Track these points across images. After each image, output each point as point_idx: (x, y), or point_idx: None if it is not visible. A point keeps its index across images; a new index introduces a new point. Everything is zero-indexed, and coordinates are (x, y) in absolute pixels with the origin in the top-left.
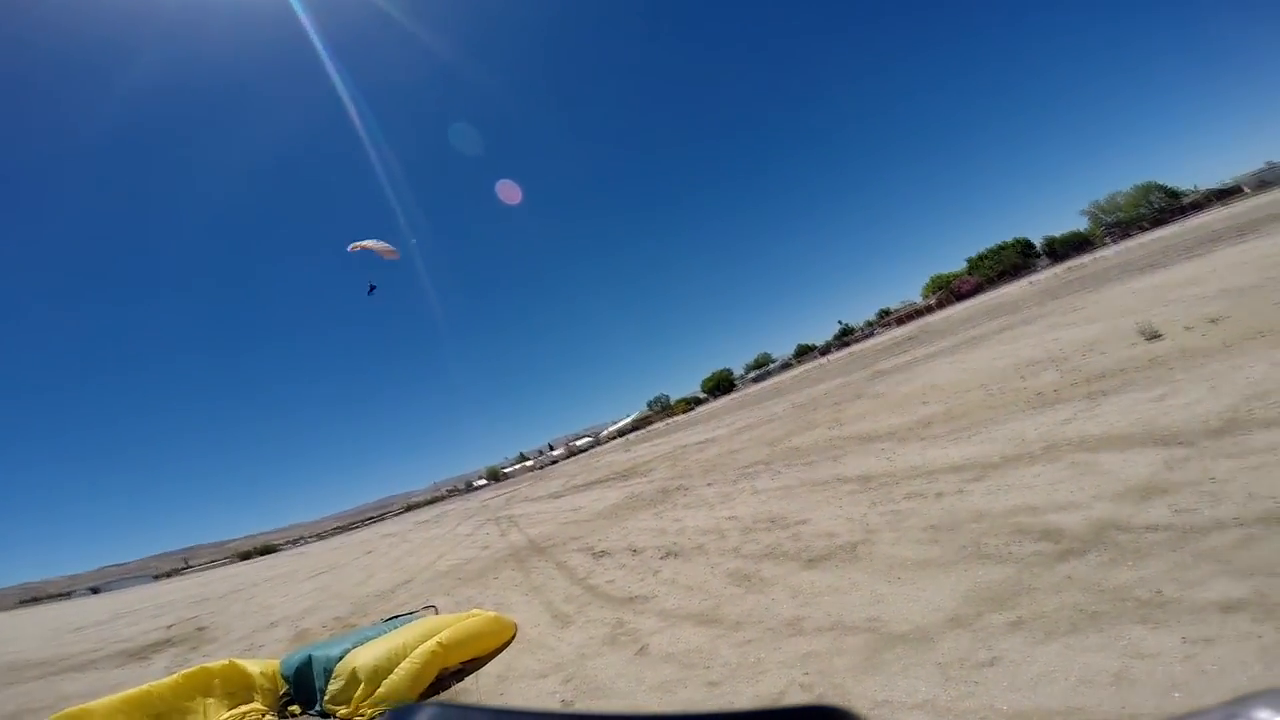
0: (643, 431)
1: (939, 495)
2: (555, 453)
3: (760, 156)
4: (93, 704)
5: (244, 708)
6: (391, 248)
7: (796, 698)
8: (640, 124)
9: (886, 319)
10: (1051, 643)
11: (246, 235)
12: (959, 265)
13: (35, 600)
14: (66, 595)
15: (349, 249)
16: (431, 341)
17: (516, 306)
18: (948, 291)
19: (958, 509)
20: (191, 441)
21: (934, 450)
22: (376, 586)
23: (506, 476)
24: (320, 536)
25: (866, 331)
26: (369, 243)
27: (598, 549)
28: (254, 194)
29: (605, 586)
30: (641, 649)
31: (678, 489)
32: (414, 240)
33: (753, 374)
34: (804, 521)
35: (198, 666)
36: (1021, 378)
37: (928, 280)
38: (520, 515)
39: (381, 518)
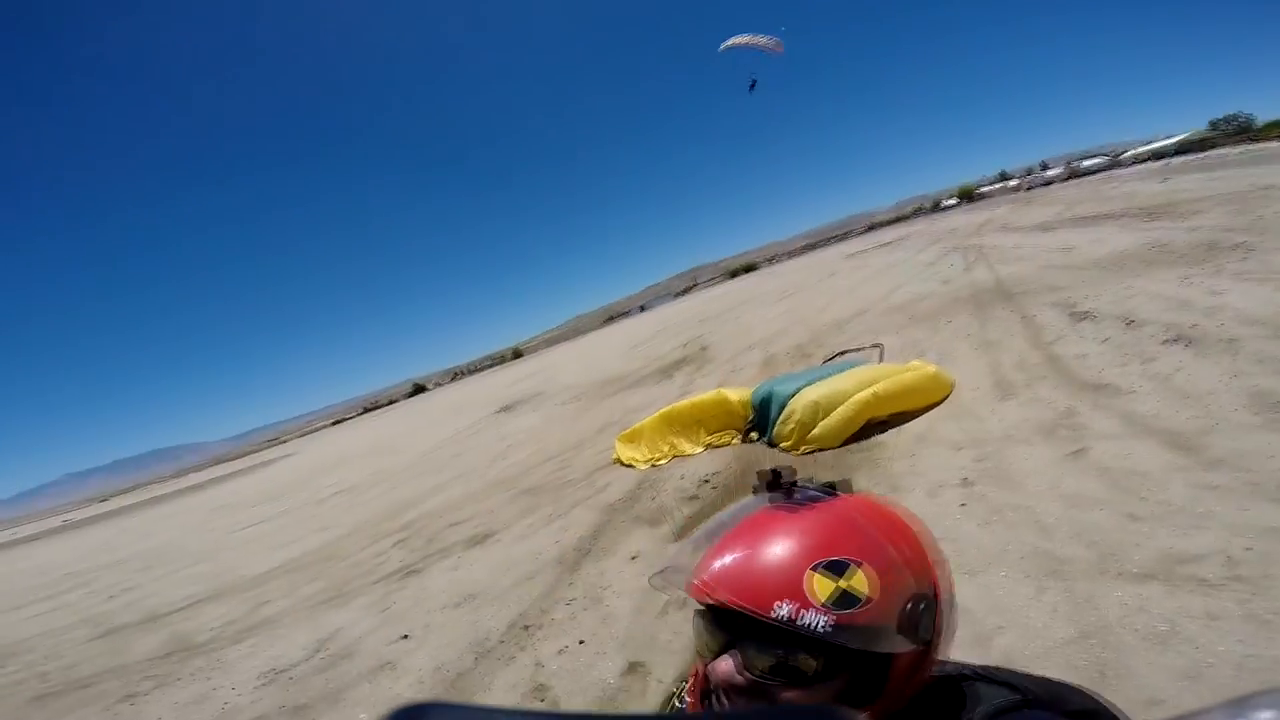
0: (1196, 157)
1: None
2: (1050, 172)
3: None
4: (639, 424)
5: (720, 432)
6: (777, 40)
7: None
8: None
9: None
10: None
11: None
12: None
13: (612, 319)
14: (627, 314)
15: (722, 48)
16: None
17: None
18: None
19: None
20: (696, 169)
21: None
22: (834, 315)
23: (982, 197)
24: (790, 255)
25: None
26: (752, 38)
27: (1080, 308)
28: None
29: (1072, 361)
30: (1078, 451)
31: (1236, 247)
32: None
33: None
34: None
35: (692, 400)
36: None
37: None
38: (992, 247)
39: (845, 237)
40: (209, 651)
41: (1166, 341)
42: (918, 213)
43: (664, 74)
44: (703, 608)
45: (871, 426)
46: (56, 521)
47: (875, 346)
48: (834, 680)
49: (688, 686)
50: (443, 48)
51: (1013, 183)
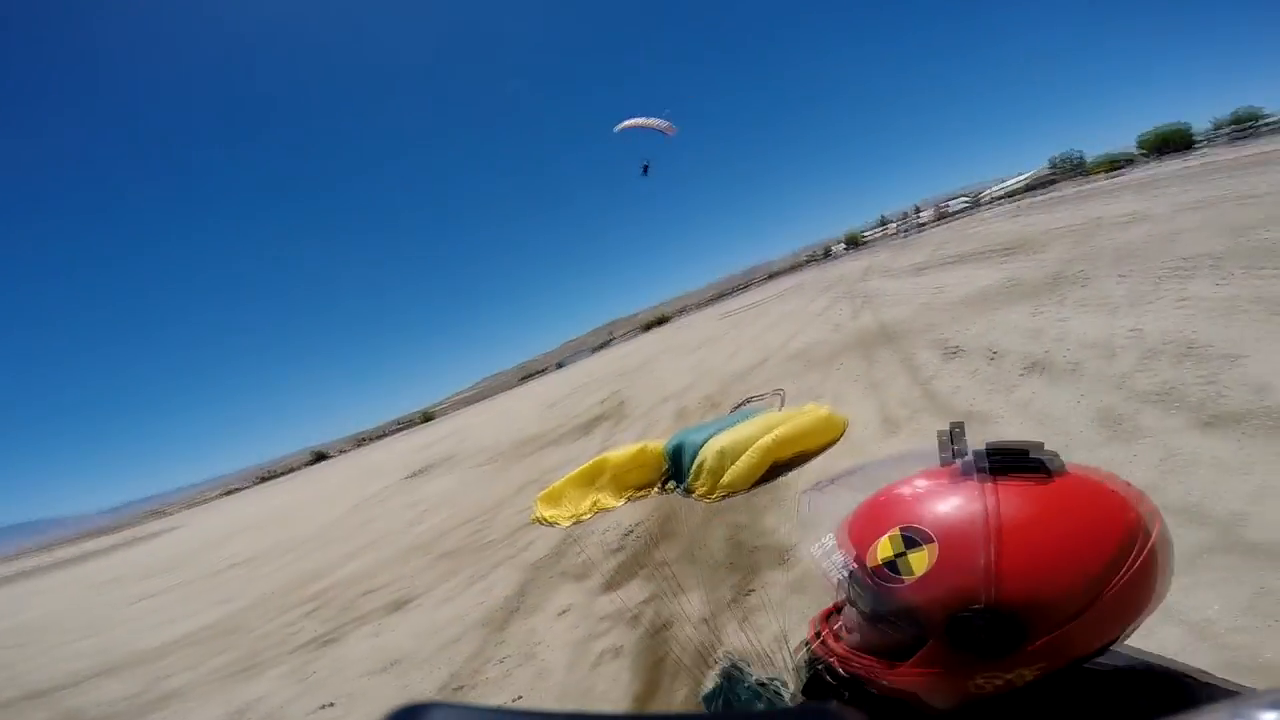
0: (1041, 196)
1: None
2: (922, 215)
3: None
4: (559, 482)
5: (641, 486)
6: (669, 123)
7: None
8: None
9: None
10: None
11: None
12: None
13: (528, 377)
14: (544, 371)
15: (617, 129)
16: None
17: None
18: None
19: None
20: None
21: None
22: (739, 365)
23: (866, 243)
24: (700, 305)
25: None
26: (645, 120)
27: (951, 344)
28: None
29: (946, 394)
30: None
31: (1074, 278)
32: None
33: (1227, 132)
34: (1234, 359)
35: (611, 454)
36: None
37: None
38: (876, 292)
39: (748, 286)
40: None
41: (1024, 371)
42: (810, 260)
43: (576, 133)
44: None
45: (776, 468)
46: None
47: (776, 393)
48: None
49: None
50: (352, 92)
51: (891, 227)
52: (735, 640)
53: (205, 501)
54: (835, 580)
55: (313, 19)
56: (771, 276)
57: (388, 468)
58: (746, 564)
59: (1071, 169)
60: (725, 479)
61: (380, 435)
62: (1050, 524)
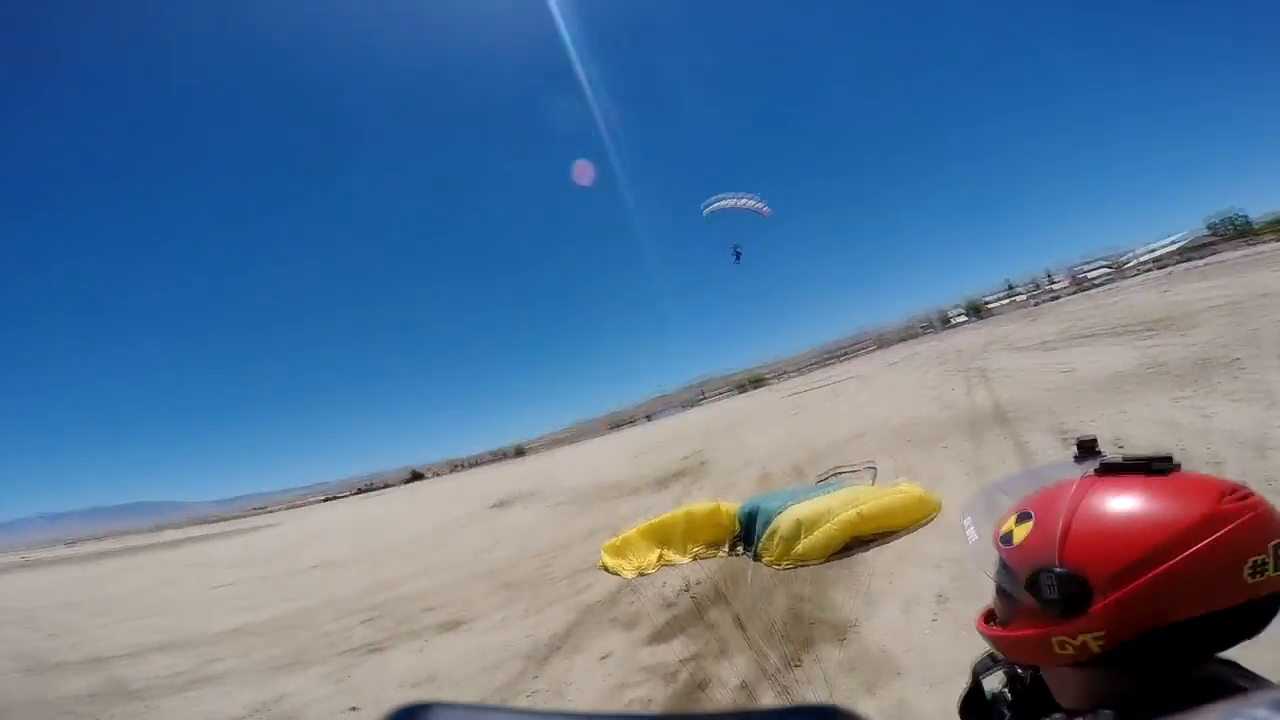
0: (1197, 262)
1: None
2: (1055, 284)
3: None
4: (628, 533)
5: (710, 545)
6: (761, 202)
7: None
8: None
9: None
10: None
11: None
12: None
13: (618, 426)
14: (633, 422)
15: (706, 212)
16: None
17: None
18: None
19: None
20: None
21: None
22: (834, 436)
23: (989, 312)
24: (800, 370)
25: None
26: (736, 199)
27: (1072, 431)
28: None
29: None
30: None
31: (1226, 363)
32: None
33: None
34: None
35: (685, 510)
36: None
37: None
38: (995, 369)
39: (855, 353)
40: (143, 698)
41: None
42: (926, 329)
43: (679, 185)
44: None
45: (856, 543)
46: (15, 558)
47: (868, 467)
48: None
49: None
50: (455, 157)
51: (1021, 296)
52: None
53: (305, 505)
54: (972, 543)
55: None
56: (881, 345)
57: (475, 495)
58: (802, 637)
59: (1233, 231)
60: (799, 549)
61: (474, 463)
62: (1126, 502)
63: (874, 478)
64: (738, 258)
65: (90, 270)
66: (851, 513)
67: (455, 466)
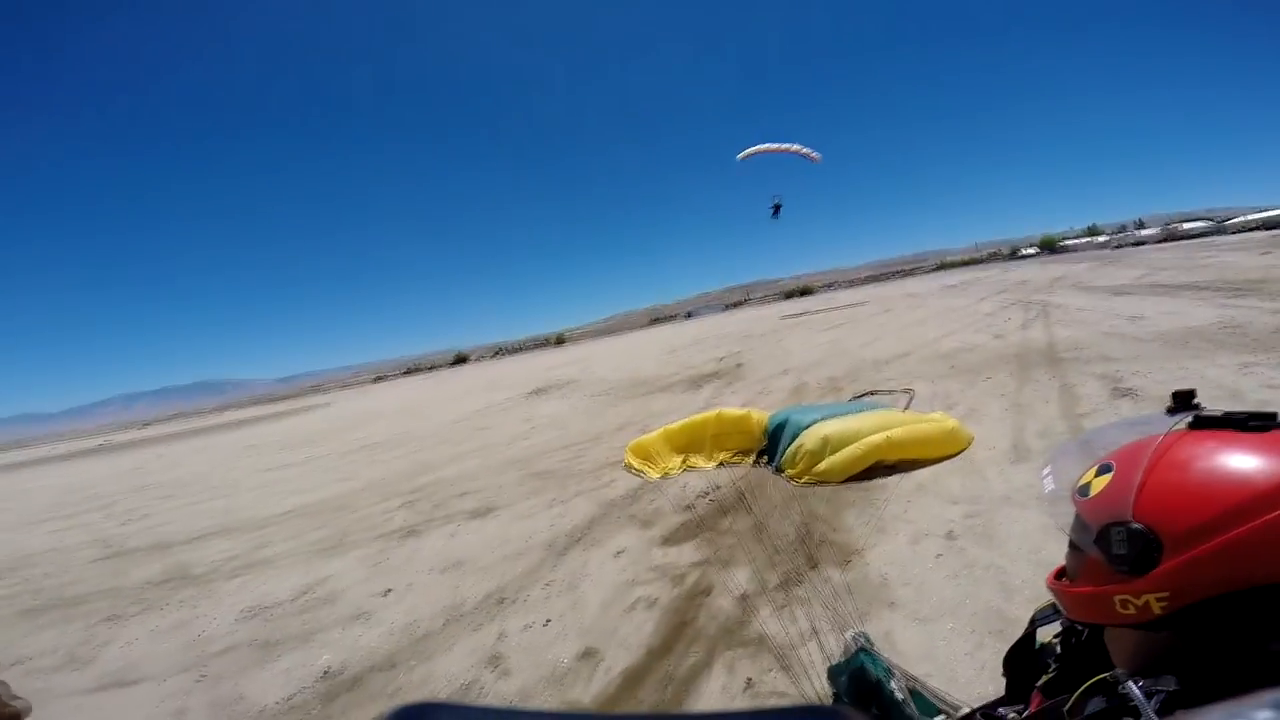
0: None
1: None
2: (1144, 231)
3: None
4: (654, 434)
5: (737, 451)
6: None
7: None
8: None
9: None
10: None
11: None
12: None
13: (657, 320)
14: (673, 318)
15: (740, 157)
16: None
17: None
18: None
19: None
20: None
21: None
22: (877, 353)
23: (1065, 250)
24: (851, 284)
25: None
26: (779, 145)
27: (1125, 384)
28: None
29: None
30: None
31: None
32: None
33: None
34: None
35: (716, 413)
36: None
37: None
38: (1057, 305)
39: (912, 273)
40: (203, 583)
41: None
42: (993, 258)
43: (749, 77)
44: None
45: (877, 469)
46: (96, 442)
47: (905, 391)
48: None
49: None
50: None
51: (1101, 239)
52: (769, 626)
53: (358, 385)
54: (1048, 493)
55: None
56: (942, 267)
57: (514, 381)
58: (807, 555)
59: None
60: (821, 466)
61: (517, 350)
62: (1211, 458)
63: (909, 403)
64: (776, 212)
65: (177, 155)
66: (880, 436)
67: (499, 352)
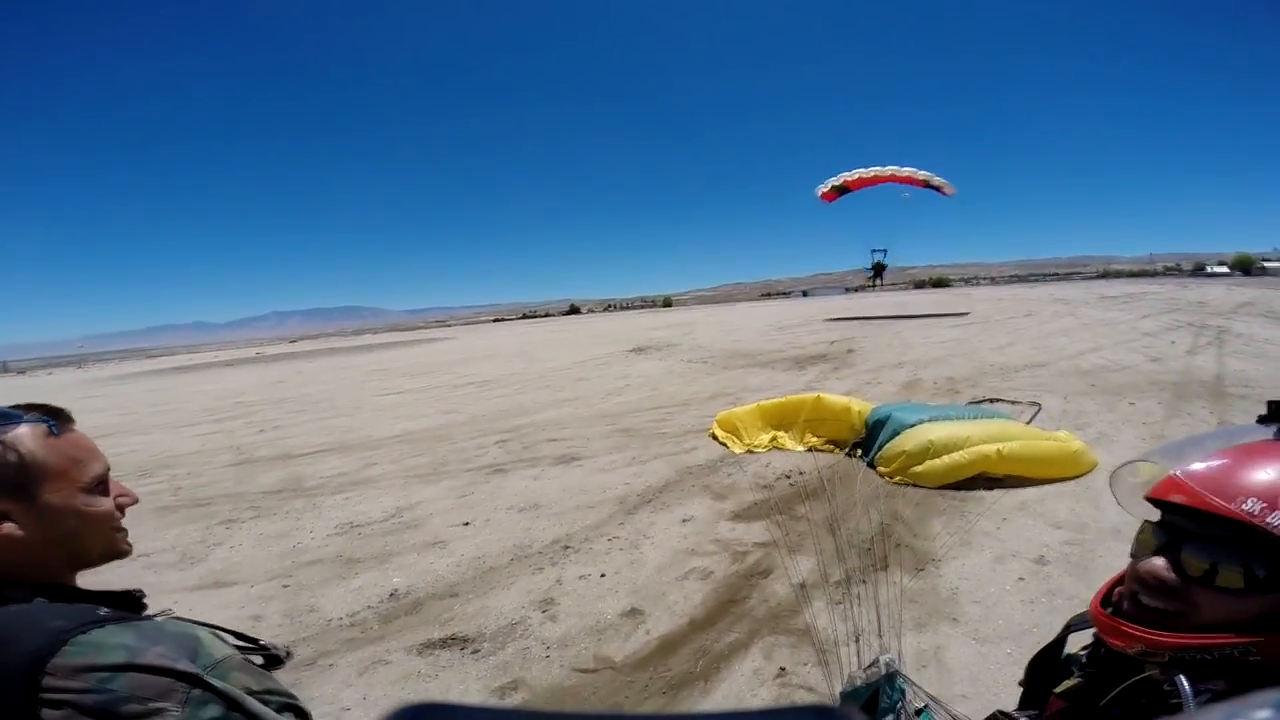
0: None
1: None
2: None
3: None
4: (746, 407)
5: (825, 439)
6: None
7: None
8: None
9: None
10: None
11: None
12: None
13: (769, 295)
14: (787, 294)
15: (823, 193)
16: None
17: None
18: None
19: None
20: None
21: None
22: (1007, 359)
23: (1263, 272)
24: (994, 281)
25: None
26: (887, 171)
27: None
28: None
29: None
30: None
31: None
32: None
33: None
34: None
35: (816, 396)
36: None
37: None
38: (1238, 334)
39: (1068, 277)
40: (311, 495)
41: None
42: (1170, 272)
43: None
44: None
45: (980, 481)
46: (252, 353)
47: (1031, 404)
48: (1265, 595)
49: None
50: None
51: None
52: (819, 619)
53: (478, 324)
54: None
55: None
56: (1105, 275)
57: (617, 338)
58: (879, 556)
59: None
60: (919, 468)
61: (625, 308)
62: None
63: (1033, 418)
64: (879, 274)
65: (374, 106)
66: (991, 448)
67: (609, 307)
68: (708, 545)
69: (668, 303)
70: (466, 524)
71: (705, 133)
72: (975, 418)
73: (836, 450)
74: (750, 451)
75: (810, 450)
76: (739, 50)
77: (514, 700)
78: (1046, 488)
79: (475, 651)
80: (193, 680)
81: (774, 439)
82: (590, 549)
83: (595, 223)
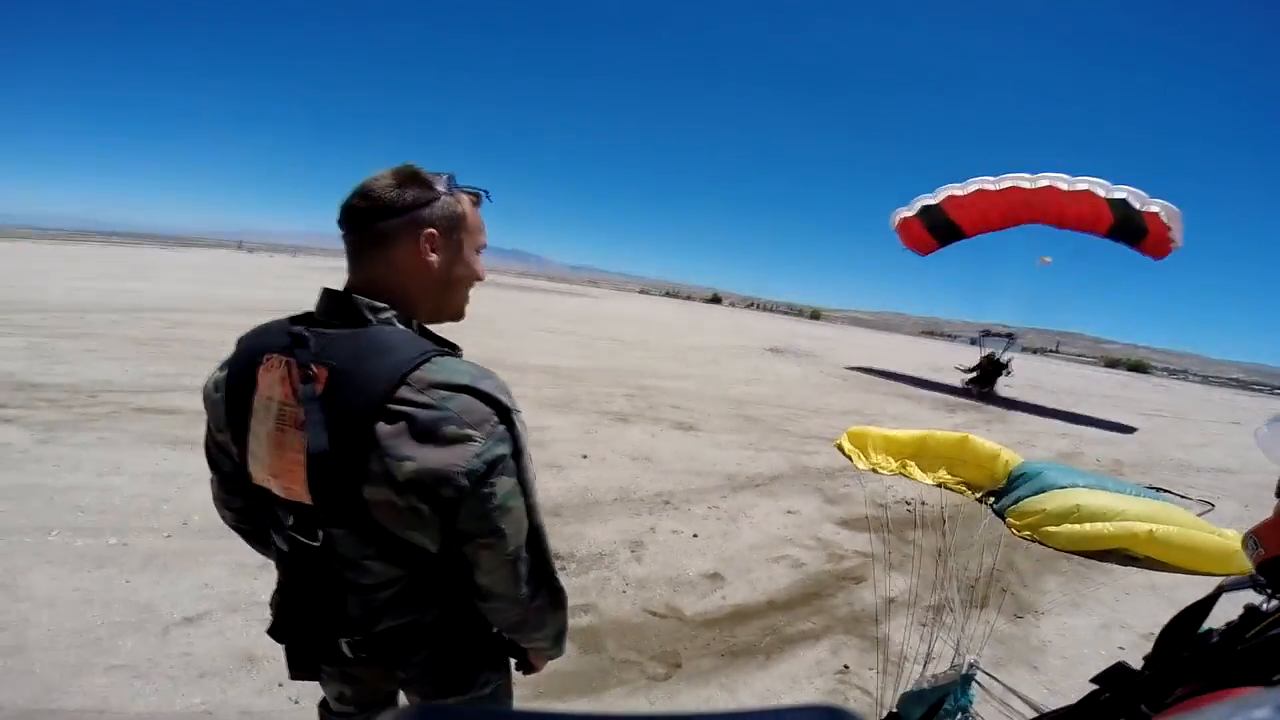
0: None
1: None
2: None
3: None
4: (881, 430)
5: (959, 479)
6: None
7: None
8: None
9: None
10: None
11: None
12: None
13: (931, 332)
14: (955, 337)
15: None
16: None
17: None
18: None
19: None
20: None
21: None
22: (1194, 456)
23: None
24: (1205, 379)
25: None
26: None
27: None
28: None
29: None
30: None
31: None
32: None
33: None
34: None
35: (963, 436)
36: None
37: None
38: None
39: None
40: None
41: None
42: None
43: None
44: None
45: (1124, 558)
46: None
47: (1203, 502)
48: None
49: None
50: None
51: None
52: (895, 634)
53: (625, 291)
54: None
55: None
56: None
57: (756, 334)
58: (980, 595)
59: None
60: (1055, 528)
61: (769, 308)
62: None
63: (1202, 514)
64: (982, 377)
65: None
66: (1144, 527)
67: (751, 304)
68: (807, 539)
69: (816, 315)
70: (584, 456)
71: (912, 130)
72: (1137, 494)
73: (968, 493)
74: (875, 470)
75: (939, 486)
76: (968, 29)
77: (581, 622)
78: (1184, 577)
79: (561, 569)
80: (504, 414)
81: (903, 465)
82: (689, 510)
83: (756, 213)
